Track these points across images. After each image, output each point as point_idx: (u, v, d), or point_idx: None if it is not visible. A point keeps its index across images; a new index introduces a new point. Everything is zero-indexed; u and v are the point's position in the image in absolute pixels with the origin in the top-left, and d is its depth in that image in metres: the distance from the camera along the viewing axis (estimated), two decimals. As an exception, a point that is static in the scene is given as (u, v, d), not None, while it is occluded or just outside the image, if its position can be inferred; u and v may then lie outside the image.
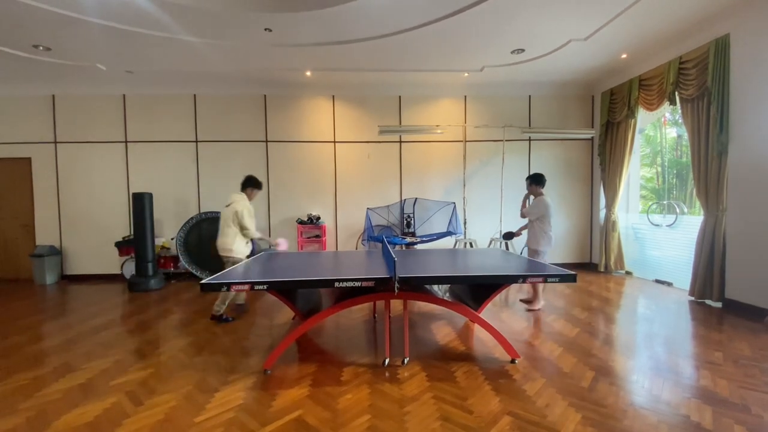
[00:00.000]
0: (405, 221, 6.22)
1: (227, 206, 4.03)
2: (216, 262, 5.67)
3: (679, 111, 4.85)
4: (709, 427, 2.07)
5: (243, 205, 3.96)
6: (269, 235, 6.52)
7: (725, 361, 2.89)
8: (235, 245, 3.95)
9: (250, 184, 4.14)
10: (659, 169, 6.63)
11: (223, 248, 3.97)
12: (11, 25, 4.19)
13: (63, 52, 4.93)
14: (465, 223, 6.12)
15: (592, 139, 6.71)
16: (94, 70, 5.52)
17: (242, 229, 3.98)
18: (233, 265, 3.71)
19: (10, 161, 6.27)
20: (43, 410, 2.34)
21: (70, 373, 2.84)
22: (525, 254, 4.49)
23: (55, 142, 6.26)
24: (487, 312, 4.11)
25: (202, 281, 2.58)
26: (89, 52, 4.92)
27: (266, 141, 6.49)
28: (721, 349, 3.14)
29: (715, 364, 2.86)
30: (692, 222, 5.03)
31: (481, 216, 6.61)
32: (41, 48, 4.78)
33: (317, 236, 6.46)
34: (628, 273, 6.15)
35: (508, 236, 4.68)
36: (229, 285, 2.55)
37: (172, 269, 6.28)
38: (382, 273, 2.78)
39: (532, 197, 4.51)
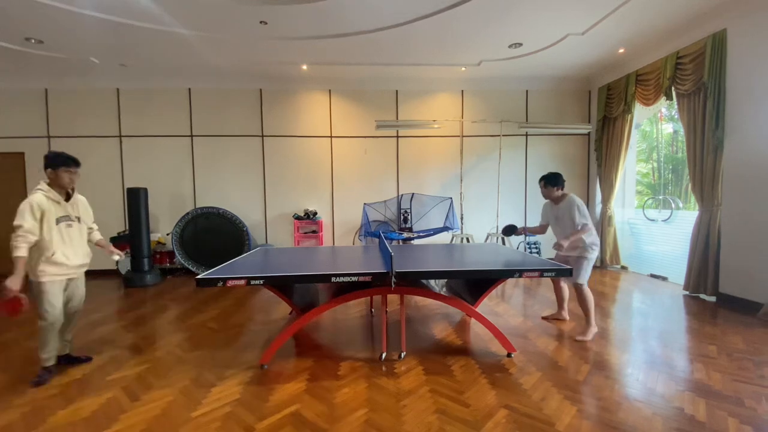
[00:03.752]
0: (402, 217, 6.22)
1: None
2: (214, 257, 5.69)
3: (676, 106, 4.86)
4: (702, 419, 2.10)
5: (29, 199, 2.69)
6: (265, 234, 6.51)
7: (719, 355, 2.92)
8: (32, 261, 2.61)
9: (46, 164, 2.71)
10: (655, 164, 6.65)
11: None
12: (3, 17, 4.12)
13: (56, 46, 4.86)
14: (462, 218, 6.12)
15: (588, 134, 6.71)
16: (87, 64, 5.45)
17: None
18: (39, 293, 2.60)
19: (3, 156, 6.18)
20: (39, 406, 2.33)
21: (65, 369, 2.83)
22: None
23: (48, 137, 6.19)
24: (483, 306, 4.13)
25: (198, 276, 2.57)
26: (82, 45, 4.85)
27: (262, 136, 6.45)
28: (715, 342, 3.17)
29: (709, 357, 2.89)
30: (687, 217, 5.06)
31: (477, 211, 6.61)
32: (33, 41, 4.71)
33: (314, 231, 6.45)
34: (623, 267, 6.18)
35: (509, 231, 3.85)
36: (225, 280, 2.54)
37: (167, 265, 6.25)
38: (379, 268, 2.78)
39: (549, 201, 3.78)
